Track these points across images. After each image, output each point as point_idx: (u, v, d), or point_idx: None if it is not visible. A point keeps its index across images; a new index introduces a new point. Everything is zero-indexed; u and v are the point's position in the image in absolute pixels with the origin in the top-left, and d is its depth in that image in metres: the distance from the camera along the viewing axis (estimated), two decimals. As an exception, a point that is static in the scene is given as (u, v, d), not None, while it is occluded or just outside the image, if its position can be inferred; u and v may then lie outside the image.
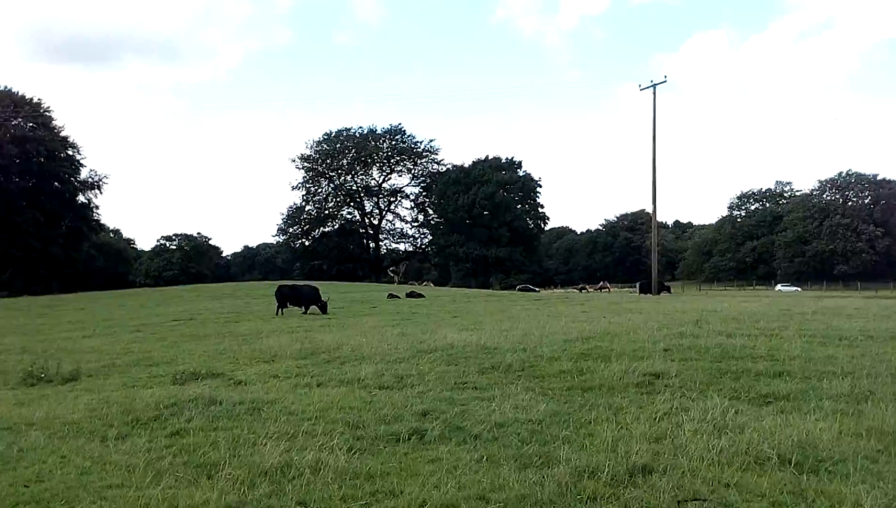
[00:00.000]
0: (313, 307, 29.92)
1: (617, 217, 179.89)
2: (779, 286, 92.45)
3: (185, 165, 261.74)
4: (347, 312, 30.97)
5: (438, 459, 5.81)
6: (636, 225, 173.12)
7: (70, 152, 79.09)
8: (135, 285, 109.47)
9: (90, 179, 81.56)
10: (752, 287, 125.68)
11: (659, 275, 58.79)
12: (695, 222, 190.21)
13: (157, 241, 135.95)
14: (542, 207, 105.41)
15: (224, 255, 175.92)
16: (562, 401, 8.12)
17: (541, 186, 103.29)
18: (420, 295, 43.37)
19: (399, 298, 42.09)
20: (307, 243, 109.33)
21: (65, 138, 78.61)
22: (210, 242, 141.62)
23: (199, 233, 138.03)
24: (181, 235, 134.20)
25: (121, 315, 35.85)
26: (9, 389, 12.83)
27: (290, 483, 5.32)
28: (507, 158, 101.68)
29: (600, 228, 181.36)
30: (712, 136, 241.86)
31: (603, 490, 4.89)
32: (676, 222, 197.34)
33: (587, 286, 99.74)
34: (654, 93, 53.70)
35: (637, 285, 61.58)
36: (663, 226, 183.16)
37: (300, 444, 6.39)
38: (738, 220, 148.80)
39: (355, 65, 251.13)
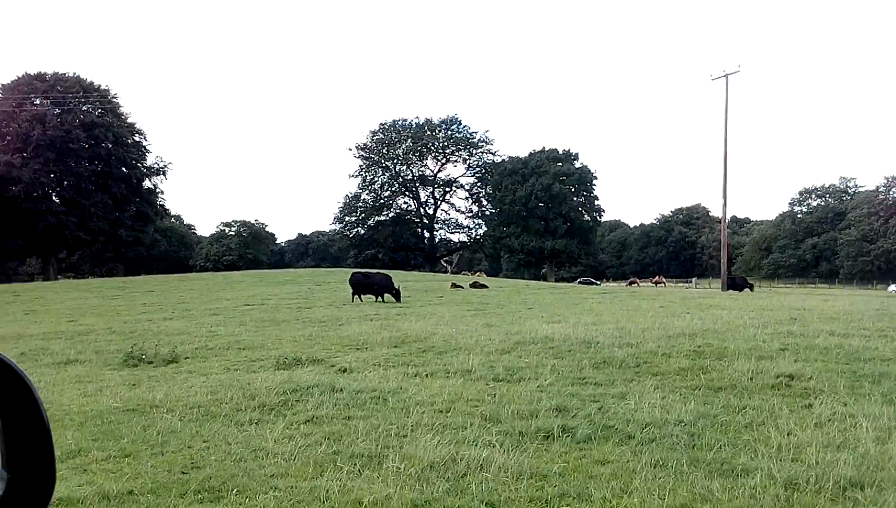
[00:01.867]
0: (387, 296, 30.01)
1: (672, 212, 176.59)
2: (892, 287, 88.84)
3: (243, 152, 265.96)
4: (416, 301, 30.93)
5: (607, 461, 5.57)
6: (691, 220, 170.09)
7: (137, 138, 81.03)
8: (195, 269, 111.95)
9: (156, 166, 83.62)
10: (813, 285, 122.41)
11: (726, 270, 57.30)
12: (752, 218, 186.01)
13: (217, 227, 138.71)
14: (597, 199, 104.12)
15: (278, 242, 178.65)
16: (699, 401, 7.79)
17: (597, 179, 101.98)
18: (484, 285, 43.14)
19: (462, 288, 41.92)
20: (362, 232, 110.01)
21: (132, 125, 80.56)
22: (266, 228, 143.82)
23: (256, 220, 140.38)
24: (240, 221, 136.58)
25: (191, 298, 36.56)
26: (112, 369, 13.05)
27: (461, 479, 5.15)
28: (563, 150, 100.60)
29: (654, 222, 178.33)
30: (771, 129, 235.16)
31: (826, 505, 4.58)
32: (734, 218, 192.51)
33: (637, 281, 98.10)
34: (727, 83, 52.12)
35: (701, 279, 58.50)
36: (719, 221, 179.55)
37: (452, 437, 6.23)
38: (799, 216, 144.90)
39: (411, 54, 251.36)
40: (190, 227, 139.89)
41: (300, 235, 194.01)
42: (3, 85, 74.86)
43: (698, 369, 9.73)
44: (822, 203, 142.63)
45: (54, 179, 74.16)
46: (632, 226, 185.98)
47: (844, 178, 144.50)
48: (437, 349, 13.09)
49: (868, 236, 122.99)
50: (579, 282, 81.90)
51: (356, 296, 30.44)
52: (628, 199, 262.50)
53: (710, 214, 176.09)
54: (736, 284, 50.60)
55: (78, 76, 76.74)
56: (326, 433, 6.69)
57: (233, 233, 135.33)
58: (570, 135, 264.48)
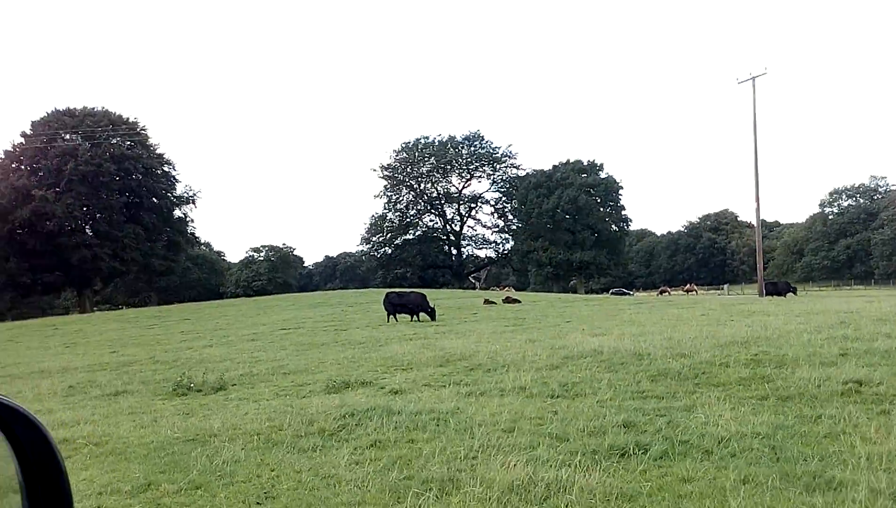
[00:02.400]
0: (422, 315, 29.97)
1: (699, 218, 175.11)
2: None
3: (268, 177, 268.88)
4: (451, 318, 30.83)
5: (692, 479, 5.39)
6: (720, 225, 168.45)
7: (166, 169, 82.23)
8: (225, 295, 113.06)
9: (185, 195, 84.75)
10: (848, 286, 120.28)
11: (763, 275, 56.28)
12: (781, 221, 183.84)
13: (246, 252, 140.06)
14: (624, 208, 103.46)
15: (306, 264, 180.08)
16: (770, 412, 7.57)
17: (622, 188, 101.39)
18: (516, 300, 42.89)
19: (496, 304, 41.71)
20: (390, 252, 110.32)
21: (160, 155, 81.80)
22: (294, 252, 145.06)
23: (284, 244, 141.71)
24: (268, 246, 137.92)
25: (227, 325, 36.80)
26: (162, 399, 13.09)
27: (544, 503, 5.01)
28: (588, 161, 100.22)
29: (682, 229, 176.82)
30: (797, 131, 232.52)
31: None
32: (763, 222, 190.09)
33: (668, 289, 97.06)
34: (754, 85, 51.64)
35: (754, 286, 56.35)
36: (748, 226, 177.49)
37: (524, 458, 6.09)
38: (830, 217, 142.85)
39: (432, 72, 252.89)
40: (220, 254, 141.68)
41: (327, 257, 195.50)
42: (32, 122, 76.56)
43: (760, 378, 9.49)
44: (854, 203, 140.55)
45: (87, 213, 75.44)
46: (659, 234, 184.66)
47: (875, 177, 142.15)
48: (485, 367, 12.97)
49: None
50: (612, 293, 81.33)
51: (391, 316, 30.44)
52: (654, 207, 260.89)
53: (739, 219, 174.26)
54: (778, 289, 49.24)
55: (106, 110, 78.24)
56: (394, 457, 6.60)
57: (261, 258, 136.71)
58: (592, 145, 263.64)
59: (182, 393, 13.35)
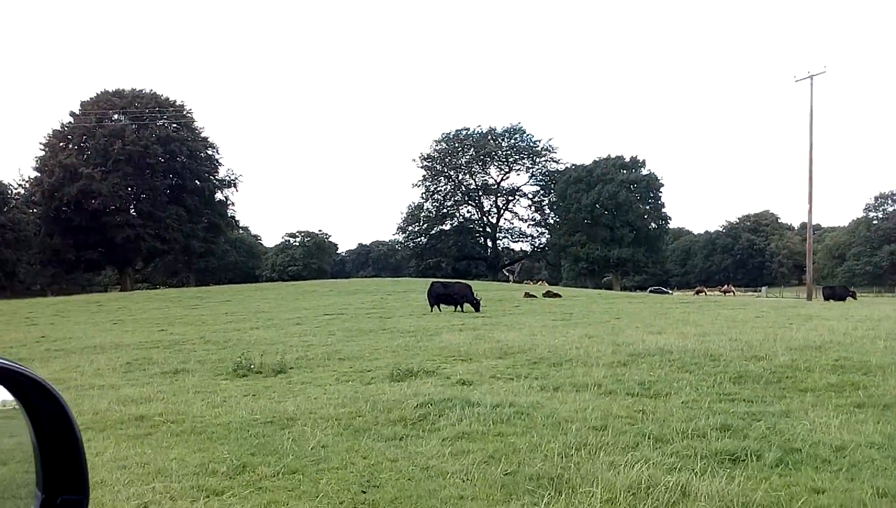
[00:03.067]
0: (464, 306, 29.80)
1: (738, 218, 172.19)
2: None
3: (306, 163, 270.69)
4: (494, 310, 30.54)
5: (823, 489, 5.11)
6: (759, 227, 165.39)
7: (209, 152, 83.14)
8: (261, 279, 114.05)
9: (227, 178, 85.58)
10: (891, 294, 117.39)
11: (812, 279, 55.00)
12: (823, 225, 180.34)
13: (282, 237, 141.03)
14: (664, 206, 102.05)
15: (339, 252, 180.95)
16: (877, 421, 7.24)
17: (663, 185, 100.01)
18: (557, 295, 42.52)
19: (536, 297, 41.42)
20: (425, 241, 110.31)
21: (205, 139, 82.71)
22: (329, 239, 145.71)
23: (320, 230, 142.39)
24: (303, 232, 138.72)
25: (269, 308, 36.99)
26: (224, 379, 13.07)
27: None
28: (630, 157, 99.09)
29: (720, 229, 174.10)
30: (841, 133, 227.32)
31: None
32: (803, 224, 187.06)
33: (704, 289, 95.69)
34: (812, 84, 50.33)
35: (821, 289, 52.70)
36: (789, 228, 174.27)
37: (630, 459, 5.87)
38: (875, 222, 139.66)
39: (473, 63, 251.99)
40: (256, 237, 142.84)
41: (360, 244, 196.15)
42: (81, 102, 77.83)
43: (850, 384, 9.14)
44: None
45: (132, 192, 76.59)
46: (696, 233, 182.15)
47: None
48: (549, 361, 12.73)
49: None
50: (650, 291, 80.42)
51: (435, 306, 30.31)
52: (693, 206, 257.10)
53: (780, 220, 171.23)
54: (836, 293, 47.16)
55: (154, 92, 79.30)
56: (488, 450, 6.41)
57: (297, 243, 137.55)
58: (632, 140, 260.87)
59: (243, 374, 13.32)
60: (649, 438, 6.68)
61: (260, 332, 23.36)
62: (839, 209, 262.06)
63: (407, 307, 33.52)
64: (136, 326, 28.89)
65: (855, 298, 46.74)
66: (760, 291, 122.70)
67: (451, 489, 5.31)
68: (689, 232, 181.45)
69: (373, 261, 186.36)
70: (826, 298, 46.14)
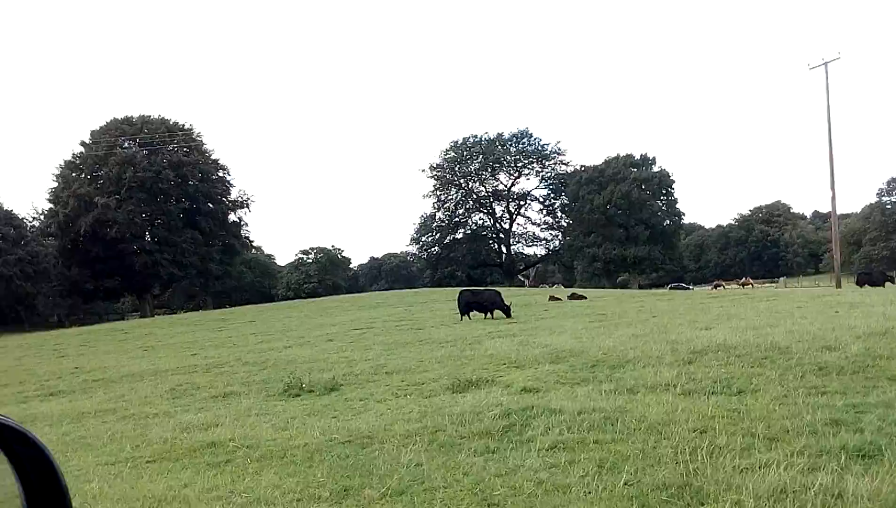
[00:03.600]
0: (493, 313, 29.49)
1: (751, 210, 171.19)
2: None
3: (314, 181, 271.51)
4: (524, 315, 30.19)
5: None
6: (772, 218, 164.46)
7: (221, 174, 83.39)
8: (276, 298, 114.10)
9: (240, 199, 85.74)
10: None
11: (840, 266, 54.23)
12: (837, 212, 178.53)
13: (296, 255, 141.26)
14: (677, 202, 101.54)
15: (352, 266, 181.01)
16: None
17: (675, 182, 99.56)
18: (582, 297, 42.19)
19: (561, 300, 41.09)
20: (439, 251, 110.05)
21: (216, 161, 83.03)
22: (343, 254, 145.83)
23: (333, 246, 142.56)
24: (317, 248, 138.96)
25: (296, 326, 36.77)
26: (277, 400, 12.85)
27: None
28: (641, 155, 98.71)
29: (733, 222, 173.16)
30: (850, 120, 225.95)
31: None
32: (816, 213, 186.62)
33: (722, 283, 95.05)
34: (826, 72, 49.88)
35: (856, 276, 49.45)
36: (801, 217, 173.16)
37: (754, 461, 5.58)
38: (888, 206, 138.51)
39: (478, 70, 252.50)
40: (270, 257, 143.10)
41: (372, 258, 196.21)
42: (92, 130, 78.32)
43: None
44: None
45: (146, 219, 76.83)
46: (709, 228, 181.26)
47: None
48: (607, 364, 12.43)
49: None
50: (670, 288, 79.79)
51: (465, 314, 30.03)
52: (704, 200, 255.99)
53: (792, 210, 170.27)
54: (873, 278, 45.21)
55: (163, 117, 79.78)
56: (594, 460, 6.14)
57: (311, 260, 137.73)
58: (640, 138, 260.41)
59: (295, 394, 13.10)
60: (761, 438, 6.38)
61: (294, 350, 23.15)
62: (851, 196, 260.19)
63: (435, 318, 33.23)
64: (167, 352, 28.75)
65: (894, 282, 45.05)
66: (778, 282, 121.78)
67: (579, 503, 5.04)
68: (701, 227, 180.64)
69: (385, 274, 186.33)
70: (861, 284, 44.35)
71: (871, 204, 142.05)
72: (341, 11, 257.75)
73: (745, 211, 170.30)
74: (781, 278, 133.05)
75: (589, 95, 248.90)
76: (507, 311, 29.23)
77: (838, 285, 47.52)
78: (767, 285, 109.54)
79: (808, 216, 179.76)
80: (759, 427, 6.68)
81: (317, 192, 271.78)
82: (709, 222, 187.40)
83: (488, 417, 8.29)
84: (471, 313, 30.17)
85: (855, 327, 13.75)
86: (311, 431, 8.83)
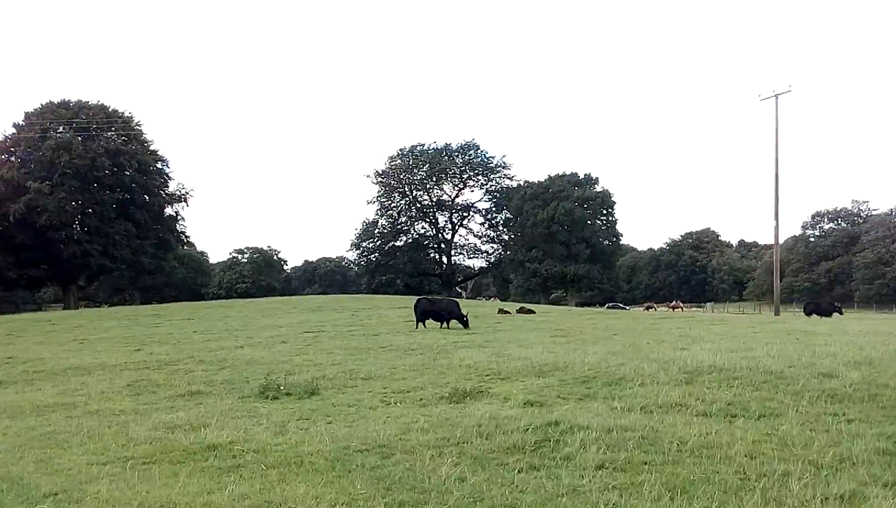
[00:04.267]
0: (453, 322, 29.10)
1: (681, 236, 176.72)
2: None
3: (250, 179, 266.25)
4: (475, 326, 29.74)
5: None
6: (701, 244, 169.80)
7: (159, 166, 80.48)
8: (207, 296, 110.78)
9: (177, 193, 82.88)
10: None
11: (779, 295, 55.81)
12: (760, 242, 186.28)
13: (230, 254, 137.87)
14: (617, 223, 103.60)
15: (285, 268, 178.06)
16: None
17: (616, 203, 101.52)
18: (531, 311, 42.23)
19: (510, 313, 41.00)
20: (379, 257, 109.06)
21: (154, 152, 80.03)
22: (279, 255, 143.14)
23: (268, 246, 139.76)
24: (252, 248, 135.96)
25: (240, 326, 35.39)
26: (254, 402, 12.16)
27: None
28: (584, 174, 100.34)
29: (664, 246, 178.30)
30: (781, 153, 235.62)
31: None
32: (741, 242, 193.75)
33: (654, 305, 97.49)
34: (777, 103, 51.41)
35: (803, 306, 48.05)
36: (728, 245, 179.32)
37: (846, 490, 5.38)
38: (811, 239, 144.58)
39: (424, 81, 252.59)
40: (202, 254, 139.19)
41: (306, 261, 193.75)
42: (26, 112, 74.56)
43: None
44: (836, 226, 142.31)
45: (78, 208, 73.38)
46: (641, 250, 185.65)
47: (857, 201, 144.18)
48: (600, 380, 12.21)
49: (884, 259, 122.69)
50: (607, 307, 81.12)
51: (420, 322, 29.53)
52: (637, 223, 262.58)
53: (720, 238, 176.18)
54: (821, 309, 44.91)
55: (102, 104, 76.45)
56: (659, 483, 5.83)
57: (245, 260, 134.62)
58: (580, 158, 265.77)
59: (273, 397, 12.43)
60: (823, 466, 6.20)
61: (248, 351, 22.14)
62: (770, 227, 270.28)
63: (386, 324, 32.60)
64: (105, 345, 27.26)
65: (841, 313, 45.01)
66: (704, 306, 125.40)
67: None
68: (634, 249, 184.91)
69: (319, 278, 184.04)
70: (809, 313, 44.47)
71: (796, 236, 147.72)
72: (290, 9, 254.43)
73: (676, 236, 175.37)
74: (708, 303, 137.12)
75: (534, 112, 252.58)
76: (464, 322, 28.86)
77: (777, 313, 49.01)
78: (695, 309, 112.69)
79: (734, 245, 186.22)
80: (811, 455, 6.50)
81: (252, 191, 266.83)
82: (641, 245, 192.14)
83: (514, 431, 7.91)
84: (426, 322, 29.70)
85: (835, 354, 13.94)
86: (316, 437, 8.30)
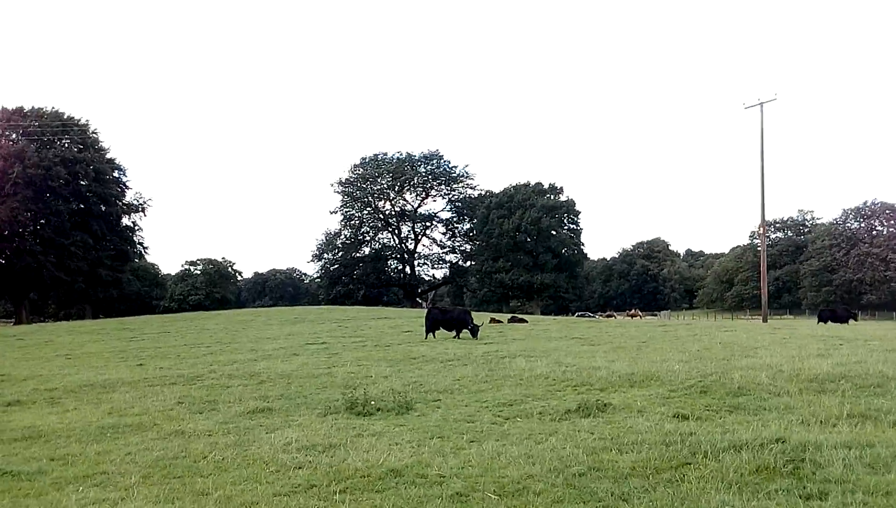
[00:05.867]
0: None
1: (633, 245, 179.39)
2: None
3: (199, 189, 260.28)
4: (484, 337, 28.78)
5: None
6: (652, 253, 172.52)
7: (116, 175, 77.57)
8: (159, 309, 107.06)
9: (135, 202, 79.93)
10: (779, 316, 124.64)
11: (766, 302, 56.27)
12: (706, 251, 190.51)
13: (182, 265, 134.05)
14: (582, 232, 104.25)
15: (239, 280, 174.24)
16: None
17: (580, 212, 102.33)
18: (523, 320, 41.71)
19: (502, 323, 40.39)
20: (340, 268, 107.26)
21: (111, 160, 77.12)
22: (233, 266, 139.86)
23: (223, 258, 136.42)
24: (205, 259, 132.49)
25: (228, 338, 33.80)
26: (346, 418, 11.16)
27: None
28: (549, 184, 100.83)
29: (616, 255, 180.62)
30: (725, 163, 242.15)
31: None
32: (689, 251, 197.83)
33: (614, 314, 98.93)
34: (762, 112, 52.14)
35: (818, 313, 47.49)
36: (676, 254, 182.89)
37: None
38: (759, 249, 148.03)
39: (384, 88, 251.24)
40: (153, 266, 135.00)
41: (256, 273, 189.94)
42: (-24, 119, 70.94)
43: None
44: (783, 236, 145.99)
45: (31, 218, 69.97)
46: (594, 260, 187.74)
47: (802, 211, 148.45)
48: (714, 391, 11.58)
49: (829, 267, 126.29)
50: (578, 316, 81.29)
51: (430, 332, 28.67)
52: (589, 233, 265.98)
53: (670, 247, 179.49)
54: (838, 315, 43.10)
55: (56, 110, 73.28)
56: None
57: (198, 272, 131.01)
58: (539, 168, 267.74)
59: (367, 412, 11.45)
60: None
61: (267, 364, 20.84)
62: (724, 236, 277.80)
63: (383, 335, 31.53)
64: (101, 361, 25.50)
65: (856, 319, 43.60)
66: (659, 314, 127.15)
67: None
68: (587, 258, 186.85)
69: (270, 290, 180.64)
70: (824, 320, 42.79)
71: (744, 246, 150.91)
72: (248, 16, 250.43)
73: (628, 246, 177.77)
74: (663, 312, 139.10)
75: (494, 120, 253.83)
76: (474, 331, 28.08)
77: (765, 320, 49.47)
78: (648, 317, 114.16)
79: (682, 254, 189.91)
80: None
81: (199, 201, 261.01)
82: (593, 254, 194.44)
83: (742, 449, 7.19)
84: (435, 333, 28.84)
85: (858, 362, 13.74)
86: (493, 459, 7.46)
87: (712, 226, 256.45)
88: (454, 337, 28.25)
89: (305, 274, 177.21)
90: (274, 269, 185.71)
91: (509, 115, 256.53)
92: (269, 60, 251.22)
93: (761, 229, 56.28)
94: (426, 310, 30.47)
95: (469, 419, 10.55)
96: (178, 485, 7.10)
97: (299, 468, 7.52)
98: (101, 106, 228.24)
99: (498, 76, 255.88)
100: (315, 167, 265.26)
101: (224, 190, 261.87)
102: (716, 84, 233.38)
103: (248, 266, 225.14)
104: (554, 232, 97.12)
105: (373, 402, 11.83)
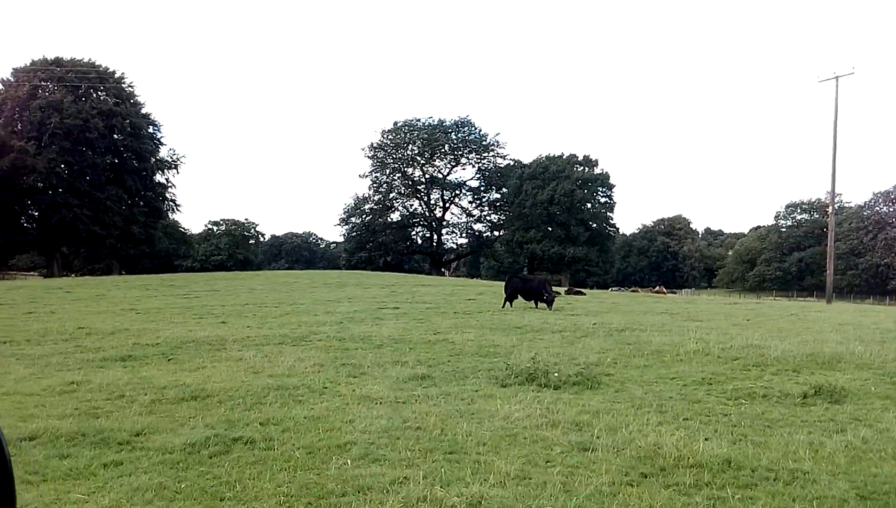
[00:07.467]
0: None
1: (654, 222, 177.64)
2: None
3: (225, 149, 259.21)
4: (539, 310, 27.81)
5: None
6: (673, 230, 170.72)
7: (151, 130, 76.54)
8: (181, 268, 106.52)
9: (169, 159, 79.01)
10: (802, 298, 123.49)
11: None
12: (726, 230, 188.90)
13: (205, 225, 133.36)
14: (615, 206, 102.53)
15: (261, 242, 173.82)
16: None
17: (615, 186, 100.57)
18: (581, 292, 40.85)
19: (560, 295, 39.48)
20: (367, 233, 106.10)
21: (146, 115, 76.05)
22: (257, 228, 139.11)
23: (246, 219, 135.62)
24: (229, 220, 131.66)
25: (286, 299, 32.86)
26: (536, 391, 10.27)
27: None
28: (584, 155, 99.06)
29: (636, 231, 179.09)
30: (747, 143, 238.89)
31: None
32: (708, 229, 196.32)
33: (638, 289, 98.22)
34: (837, 86, 50.59)
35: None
36: (696, 233, 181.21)
37: None
38: (783, 229, 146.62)
39: (422, 56, 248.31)
40: (177, 224, 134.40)
41: (273, 236, 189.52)
42: (14, 69, 69.80)
43: None
44: (808, 218, 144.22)
45: (68, 170, 69.12)
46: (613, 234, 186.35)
47: (829, 193, 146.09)
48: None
49: (856, 250, 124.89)
50: (611, 290, 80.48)
51: (508, 301, 27.81)
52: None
53: (691, 225, 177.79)
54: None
55: (94, 62, 71.97)
56: None
57: (221, 232, 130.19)
58: (568, 140, 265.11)
59: (553, 385, 10.59)
60: None
61: (367, 328, 19.92)
62: (744, 216, 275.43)
63: (453, 302, 30.55)
64: (176, 316, 24.59)
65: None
66: (678, 292, 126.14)
67: None
68: (619, 233, 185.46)
69: (286, 253, 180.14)
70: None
71: (769, 226, 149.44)
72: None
73: (648, 222, 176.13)
74: (685, 290, 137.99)
75: (524, 92, 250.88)
76: (549, 302, 27.17)
77: (829, 301, 48.50)
78: (670, 294, 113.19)
79: (701, 233, 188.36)
80: None
81: (223, 161, 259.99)
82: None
83: None
84: (513, 302, 28.00)
85: None
86: (789, 447, 6.57)
87: (731, 205, 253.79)
88: (534, 307, 27.43)
89: (322, 239, 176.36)
90: (291, 232, 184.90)
91: (537, 83, 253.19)
92: (304, 22, 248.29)
93: (831, 208, 54.97)
94: (507, 278, 29.44)
95: (682, 397, 9.69)
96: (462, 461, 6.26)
97: (587, 450, 6.64)
98: (133, 59, 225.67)
99: (528, 46, 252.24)
100: (337, 131, 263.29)
101: (245, 150, 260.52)
102: (750, 60, 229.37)
103: (264, 228, 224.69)
104: (588, 204, 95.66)
105: (555, 375, 10.96)
